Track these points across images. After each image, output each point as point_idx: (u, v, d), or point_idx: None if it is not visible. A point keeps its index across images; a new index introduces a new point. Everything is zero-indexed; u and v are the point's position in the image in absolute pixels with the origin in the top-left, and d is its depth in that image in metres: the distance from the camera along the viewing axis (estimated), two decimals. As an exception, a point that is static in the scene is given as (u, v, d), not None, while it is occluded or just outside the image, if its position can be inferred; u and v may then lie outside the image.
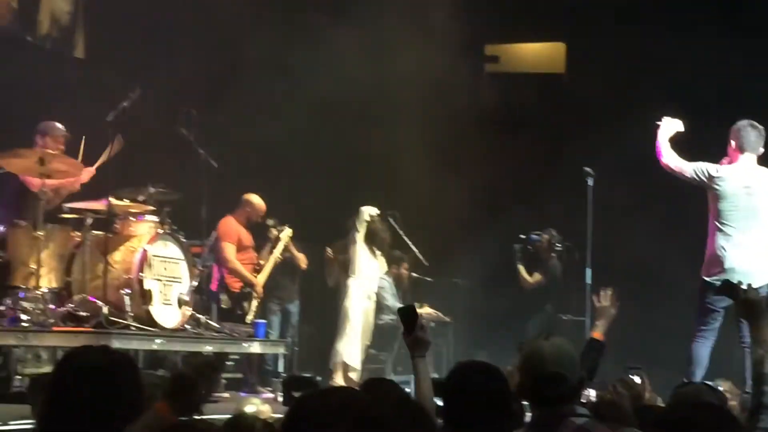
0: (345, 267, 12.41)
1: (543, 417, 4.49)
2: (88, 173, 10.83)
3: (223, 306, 12.40)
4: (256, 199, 12.52)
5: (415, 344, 5.21)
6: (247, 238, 12.60)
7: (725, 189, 9.44)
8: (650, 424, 4.47)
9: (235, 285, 12.36)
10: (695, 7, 15.49)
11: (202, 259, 12.05)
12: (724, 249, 9.38)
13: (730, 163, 9.65)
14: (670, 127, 10.04)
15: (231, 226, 12.45)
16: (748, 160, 9.47)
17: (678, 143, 10.17)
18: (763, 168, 9.64)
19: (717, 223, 9.56)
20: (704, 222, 9.86)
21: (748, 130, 9.55)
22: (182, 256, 10.79)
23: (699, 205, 10.05)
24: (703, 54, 14.26)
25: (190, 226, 11.66)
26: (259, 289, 12.28)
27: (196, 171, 11.76)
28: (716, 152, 9.90)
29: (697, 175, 9.63)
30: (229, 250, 12.27)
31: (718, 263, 9.43)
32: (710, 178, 9.54)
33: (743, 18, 15.20)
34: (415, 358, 5.23)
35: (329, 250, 12.89)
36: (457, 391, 4.52)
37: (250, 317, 12.21)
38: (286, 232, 12.59)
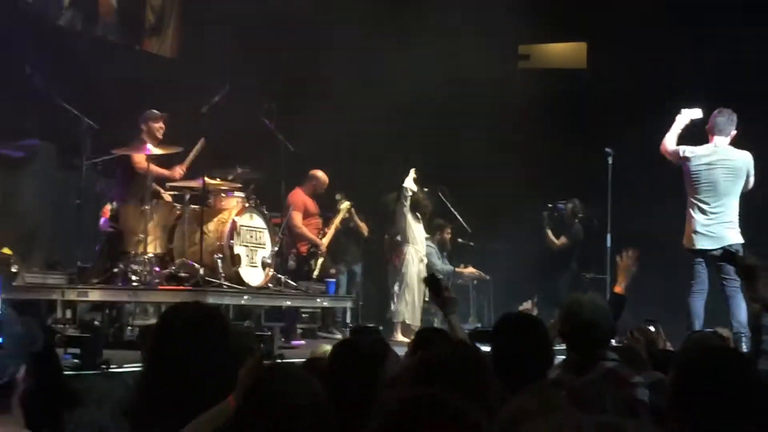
0: (393, 241, 12.79)
1: (578, 359, 4.84)
2: (180, 171, 10.99)
3: (290, 267, 12.55)
4: (320, 174, 12.85)
5: (445, 303, 5.55)
6: (313, 207, 12.92)
7: (690, 167, 9.92)
8: (664, 367, 4.94)
9: (303, 248, 12.63)
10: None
11: (280, 229, 12.04)
12: (693, 219, 9.92)
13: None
14: (687, 116, 10.32)
15: (299, 197, 12.72)
16: (718, 141, 9.90)
17: (697, 131, 10.43)
18: (731, 148, 10.01)
19: (690, 198, 10.05)
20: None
21: (718, 115, 10.01)
22: (265, 226, 11.17)
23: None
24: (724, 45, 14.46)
25: (271, 200, 11.92)
26: (323, 248, 12.60)
27: (276, 154, 11.81)
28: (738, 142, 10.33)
29: (678, 156, 10.13)
30: (297, 217, 12.53)
31: (690, 232, 9.95)
32: (682, 158, 10.04)
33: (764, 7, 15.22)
34: (448, 315, 5.54)
35: (387, 237, 13.17)
36: (505, 337, 4.66)
37: (315, 274, 12.48)
38: (345, 204, 12.93)
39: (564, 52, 21.47)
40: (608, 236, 11.91)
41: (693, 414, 3.11)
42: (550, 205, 14.01)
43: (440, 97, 15.67)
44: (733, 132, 9.97)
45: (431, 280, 5.80)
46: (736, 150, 10.00)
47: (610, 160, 11.89)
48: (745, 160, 9.95)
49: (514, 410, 2.70)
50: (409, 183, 12.28)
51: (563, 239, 14.01)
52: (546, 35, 19.75)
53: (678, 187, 11.58)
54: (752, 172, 9.91)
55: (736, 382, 3.16)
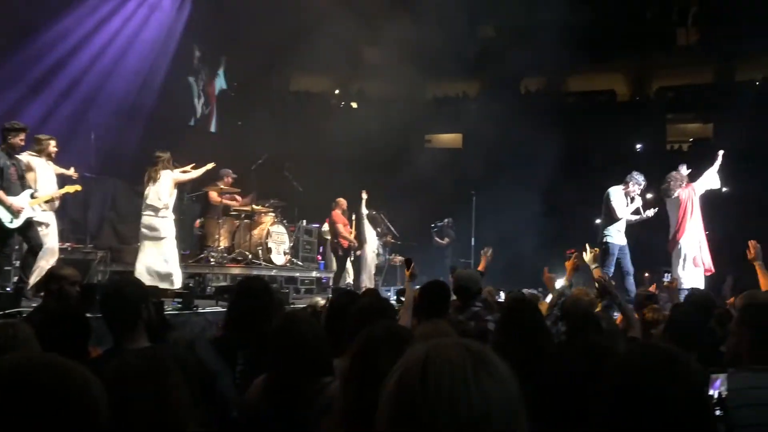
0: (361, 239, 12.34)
1: (459, 305, 4.87)
2: (245, 202, 11.24)
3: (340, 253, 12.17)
4: (341, 200, 12.29)
5: (411, 276, 5.47)
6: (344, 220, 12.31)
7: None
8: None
9: (345, 244, 12.17)
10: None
11: (294, 234, 12.26)
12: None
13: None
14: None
15: (339, 216, 12.19)
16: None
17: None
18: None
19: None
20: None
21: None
22: (285, 232, 11.45)
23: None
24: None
25: (288, 217, 12.20)
26: (354, 244, 12.20)
27: (292, 192, 12.36)
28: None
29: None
30: (342, 228, 12.12)
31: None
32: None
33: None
34: (410, 281, 5.42)
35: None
36: (430, 293, 4.50)
37: (351, 258, 12.24)
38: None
39: (449, 138, 23.34)
40: (472, 239, 13.00)
41: (508, 339, 3.05)
42: (434, 223, 14.53)
43: (382, 158, 16.49)
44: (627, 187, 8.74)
45: (407, 262, 5.65)
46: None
47: (474, 199, 13.07)
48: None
49: (418, 333, 2.84)
50: (363, 207, 12.13)
51: (446, 240, 14.60)
52: (438, 129, 21.58)
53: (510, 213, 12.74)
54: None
55: (528, 322, 3.12)
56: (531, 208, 14.11)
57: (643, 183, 8.71)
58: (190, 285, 9.42)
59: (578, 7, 15.90)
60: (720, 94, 19.95)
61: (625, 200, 8.70)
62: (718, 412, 2.41)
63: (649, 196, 8.96)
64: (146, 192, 8.49)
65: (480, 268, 6.37)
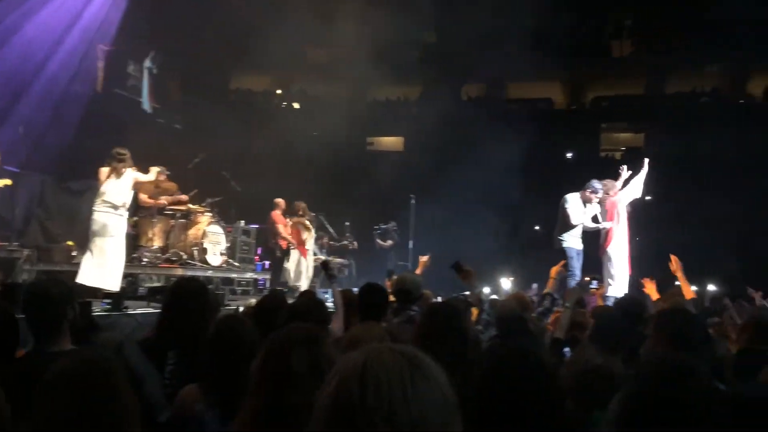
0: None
1: (396, 308, 4.84)
2: (164, 201, 10.82)
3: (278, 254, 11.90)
4: (280, 200, 12.06)
5: (331, 277, 5.60)
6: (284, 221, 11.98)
7: None
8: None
9: (284, 244, 11.88)
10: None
11: (231, 234, 11.99)
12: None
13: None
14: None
15: (279, 217, 11.95)
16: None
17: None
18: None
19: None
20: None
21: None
22: (222, 232, 11.36)
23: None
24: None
25: (226, 217, 11.99)
26: (293, 244, 11.79)
27: (230, 190, 12.20)
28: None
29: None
30: (281, 228, 11.84)
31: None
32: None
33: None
34: (332, 283, 5.56)
35: None
36: (366, 296, 4.44)
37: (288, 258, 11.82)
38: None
39: (391, 141, 23.51)
40: (410, 242, 13.09)
41: (426, 345, 2.88)
42: (377, 225, 14.51)
43: (324, 160, 16.22)
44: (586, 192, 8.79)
45: (323, 264, 5.86)
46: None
47: (413, 201, 13.13)
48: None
49: (349, 336, 2.94)
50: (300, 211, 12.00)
51: (389, 242, 14.59)
52: (380, 132, 21.72)
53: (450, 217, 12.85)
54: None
55: (445, 328, 3.07)
56: (471, 213, 14.25)
57: (600, 190, 8.74)
58: (122, 285, 9.05)
59: (518, 16, 16.18)
60: (651, 105, 20.70)
61: (582, 207, 8.73)
62: None
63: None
64: (103, 188, 8.14)
65: (417, 272, 6.45)
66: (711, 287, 12.15)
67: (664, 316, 3.05)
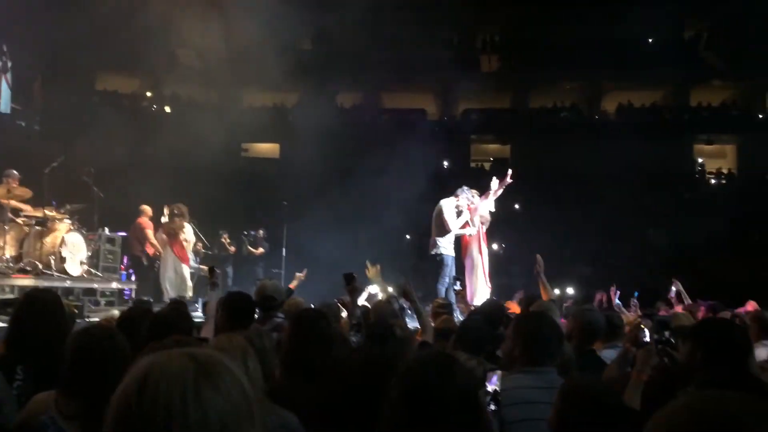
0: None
1: (261, 316, 4.85)
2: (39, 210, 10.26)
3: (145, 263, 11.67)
4: (146, 207, 11.97)
5: (213, 285, 5.48)
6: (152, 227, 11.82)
7: None
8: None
9: (151, 251, 11.78)
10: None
11: (94, 242, 11.36)
12: None
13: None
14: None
15: (147, 223, 11.78)
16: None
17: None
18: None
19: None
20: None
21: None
22: (82, 241, 10.79)
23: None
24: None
25: (88, 225, 11.32)
26: (159, 252, 11.57)
27: (91, 196, 11.43)
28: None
29: None
30: (150, 234, 11.70)
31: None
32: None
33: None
34: (212, 290, 5.48)
35: None
36: (230, 304, 4.38)
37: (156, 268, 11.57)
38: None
39: (266, 148, 23.36)
40: (283, 249, 12.94)
41: (293, 342, 3.08)
42: (247, 232, 14.27)
43: (196, 165, 15.72)
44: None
45: (210, 270, 5.67)
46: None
47: (286, 209, 12.88)
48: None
49: (211, 345, 2.61)
50: (165, 218, 11.58)
51: (260, 249, 14.42)
52: (256, 139, 21.52)
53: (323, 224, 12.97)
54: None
55: (312, 332, 3.09)
56: (345, 221, 14.36)
57: (472, 197, 8.93)
58: (-31, 297, 8.52)
59: (389, 28, 16.52)
60: (516, 118, 21.75)
61: (456, 213, 8.89)
62: (492, 407, 2.66)
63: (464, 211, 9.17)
64: None
65: (291, 286, 6.52)
66: (570, 290, 12.85)
67: (520, 319, 3.20)
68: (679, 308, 7.70)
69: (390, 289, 6.00)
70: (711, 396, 1.04)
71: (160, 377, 1.10)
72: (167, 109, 22.61)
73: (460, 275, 8.54)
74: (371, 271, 6.10)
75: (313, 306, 6.80)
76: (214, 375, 1.12)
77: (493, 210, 9.17)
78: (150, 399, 1.08)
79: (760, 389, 2.32)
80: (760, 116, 24.03)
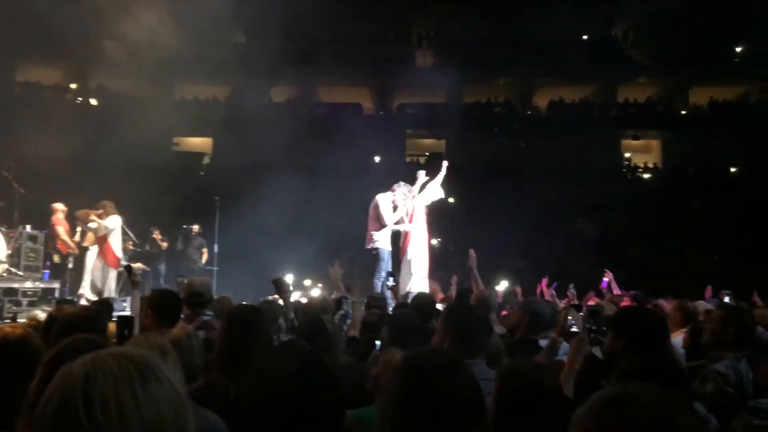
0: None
1: (192, 314, 4.69)
2: None
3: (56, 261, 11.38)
4: (58, 204, 11.57)
5: (135, 283, 5.27)
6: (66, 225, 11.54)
7: None
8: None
9: (63, 249, 11.51)
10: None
11: (14, 240, 11.11)
12: None
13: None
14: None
15: (61, 220, 11.50)
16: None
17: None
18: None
19: None
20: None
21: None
22: (1, 238, 10.51)
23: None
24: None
25: (8, 222, 11.17)
26: (74, 250, 11.41)
27: (12, 193, 11.25)
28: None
29: None
30: (62, 231, 11.43)
31: None
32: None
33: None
34: (134, 288, 5.28)
35: None
36: (156, 302, 4.26)
37: (70, 264, 11.46)
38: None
39: (199, 142, 22.94)
40: (215, 245, 12.83)
41: (224, 340, 3.05)
42: (187, 227, 13.87)
43: (125, 159, 15.33)
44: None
45: (127, 269, 5.55)
46: None
47: (217, 204, 12.84)
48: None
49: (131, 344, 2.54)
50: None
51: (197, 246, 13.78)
52: (188, 133, 21.09)
53: (256, 220, 12.78)
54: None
55: (245, 331, 3.01)
56: (278, 216, 14.19)
57: (408, 192, 8.92)
58: None
59: (324, 22, 16.42)
60: (451, 114, 21.98)
61: (392, 208, 8.86)
62: None
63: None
64: None
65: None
66: (504, 283, 13.06)
67: (449, 313, 3.21)
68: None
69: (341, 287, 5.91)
70: (617, 394, 1.11)
71: (104, 380, 1.07)
72: (93, 101, 21.83)
73: (396, 270, 8.47)
74: (334, 271, 6.08)
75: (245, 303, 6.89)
76: (151, 368, 1.12)
77: (428, 204, 9.20)
78: (100, 404, 1.05)
79: (676, 375, 2.40)
80: (683, 112, 24.98)
